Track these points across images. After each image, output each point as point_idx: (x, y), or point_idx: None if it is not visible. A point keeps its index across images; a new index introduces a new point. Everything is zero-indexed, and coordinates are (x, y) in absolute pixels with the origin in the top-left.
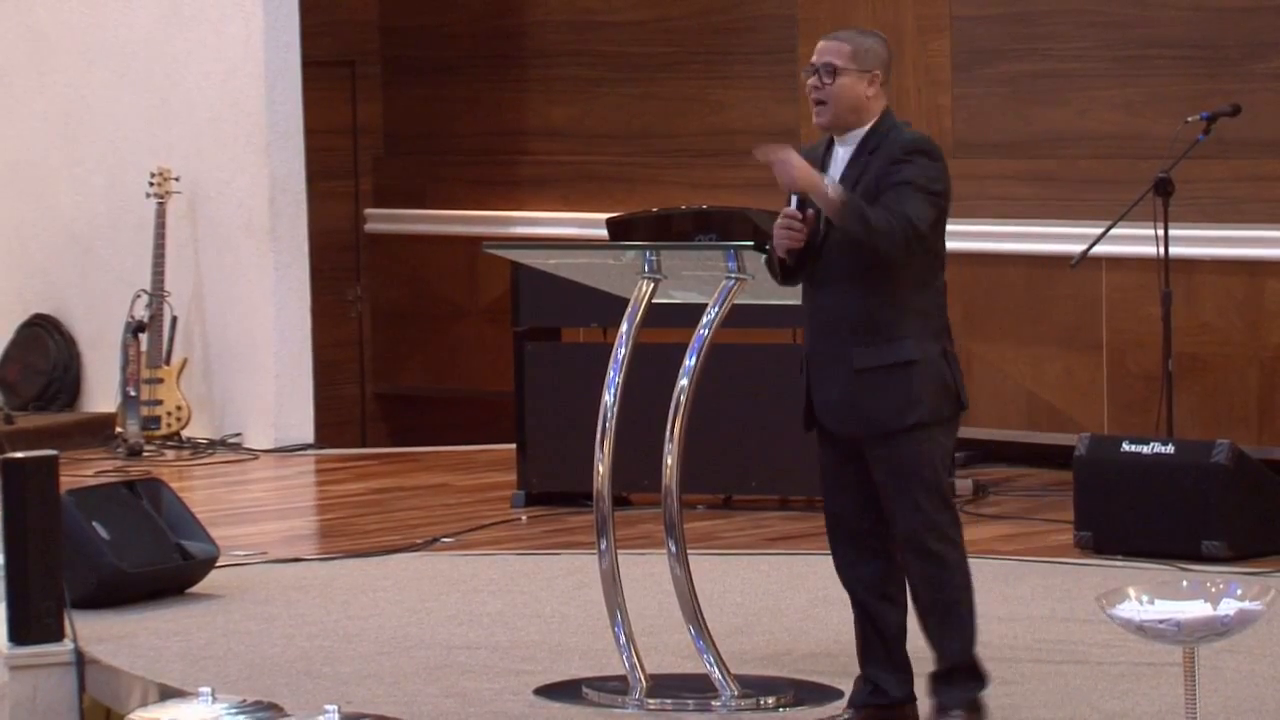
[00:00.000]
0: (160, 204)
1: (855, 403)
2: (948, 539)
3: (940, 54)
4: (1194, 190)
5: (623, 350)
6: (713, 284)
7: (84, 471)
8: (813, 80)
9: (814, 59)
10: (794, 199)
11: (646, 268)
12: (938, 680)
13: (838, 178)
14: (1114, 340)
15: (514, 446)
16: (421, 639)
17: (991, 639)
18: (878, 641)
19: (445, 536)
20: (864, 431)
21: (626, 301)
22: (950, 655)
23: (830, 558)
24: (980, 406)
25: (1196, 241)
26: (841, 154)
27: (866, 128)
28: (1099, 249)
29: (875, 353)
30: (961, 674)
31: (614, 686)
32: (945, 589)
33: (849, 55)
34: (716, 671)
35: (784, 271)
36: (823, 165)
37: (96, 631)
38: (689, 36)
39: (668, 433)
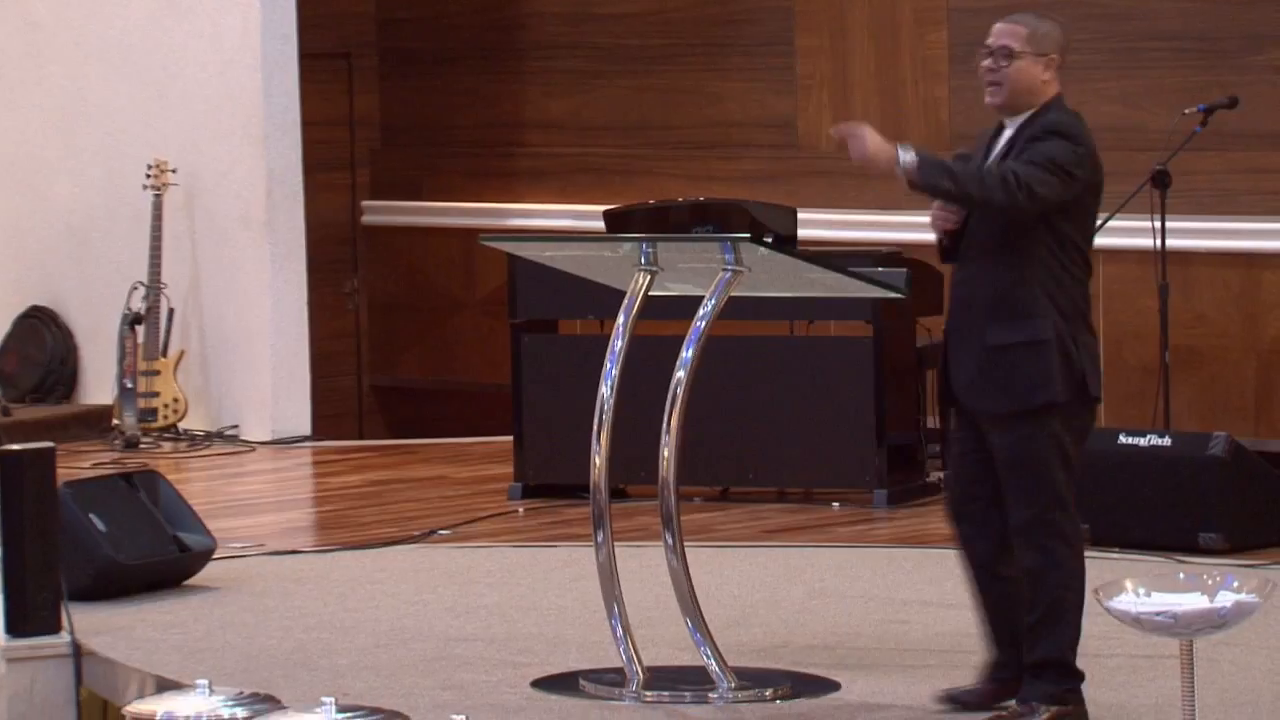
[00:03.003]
0: (157, 196)
1: (988, 378)
2: (1059, 535)
3: (937, 46)
4: (1191, 182)
5: (619, 342)
6: (709, 276)
7: (81, 463)
8: (987, 63)
9: (989, 41)
10: None
11: (643, 260)
12: (1028, 671)
13: (997, 157)
14: (1111, 332)
15: (511, 439)
16: (419, 631)
17: None
18: (994, 618)
19: (442, 529)
20: (992, 408)
21: (623, 294)
22: (1042, 650)
23: (822, 551)
24: None
25: (1193, 234)
26: (1007, 135)
27: (1033, 110)
28: (1096, 241)
29: (1008, 330)
30: (1052, 670)
31: (611, 678)
32: (1047, 585)
33: (1025, 38)
34: (713, 664)
35: (945, 253)
36: (989, 149)
37: (93, 624)
38: (686, 29)
39: (665, 425)
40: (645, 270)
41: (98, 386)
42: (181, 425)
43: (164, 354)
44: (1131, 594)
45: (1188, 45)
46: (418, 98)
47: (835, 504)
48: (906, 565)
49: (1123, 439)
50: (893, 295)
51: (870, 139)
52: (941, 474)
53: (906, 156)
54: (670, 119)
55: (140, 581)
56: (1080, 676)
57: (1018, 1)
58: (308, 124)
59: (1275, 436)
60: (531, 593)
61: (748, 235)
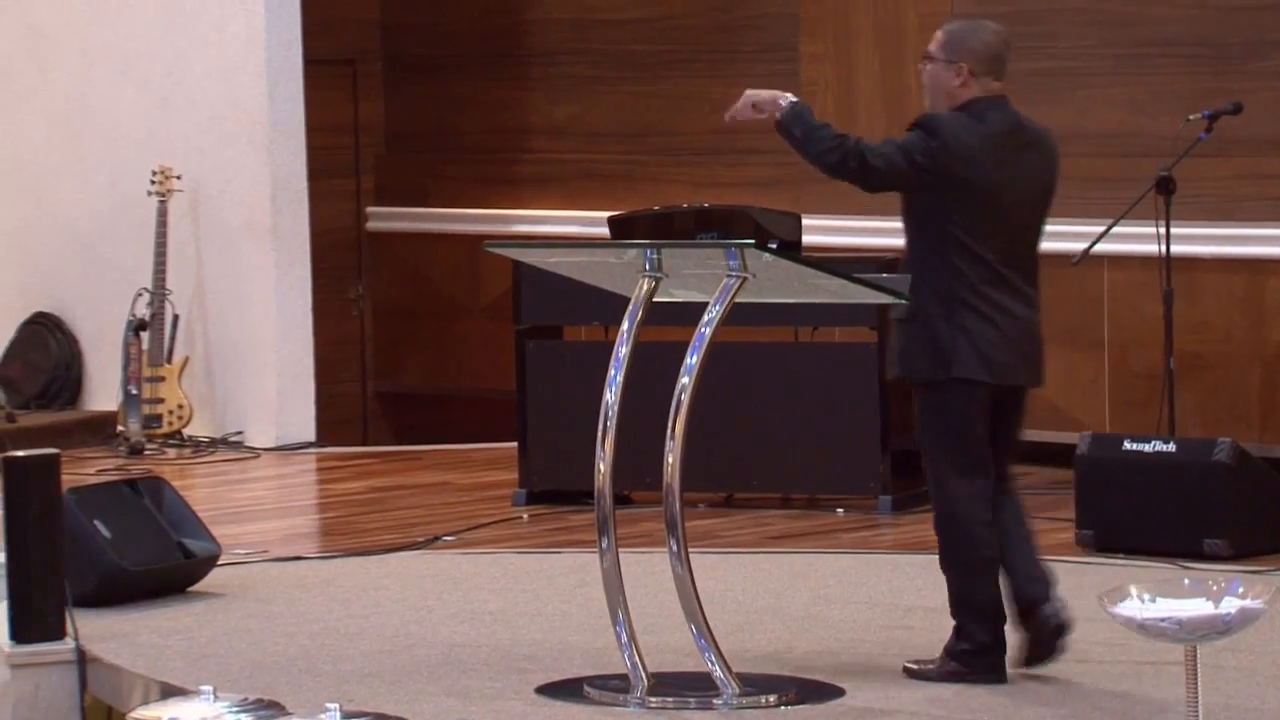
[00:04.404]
0: (162, 202)
1: None
2: (937, 509)
3: None
4: (1196, 188)
5: (624, 348)
6: (714, 282)
7: (85, 470)
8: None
9: None
10: None
11: (648, 266)
12: None
13: None
14: (1116, 338)
15: (515, 445)
16: (423, 637)
17: None
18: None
19: (446, 535)
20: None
21: (628, 300)
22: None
23: (826, 557)
24: None
25: (1198, 239)
26: None
27: None
28: (1101, 247)
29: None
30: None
31: (616, 685)
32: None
33: (941, 44)
34: (718, 670)
35: None
36: None
37: (98, 630)
38: (691, 34)
39: (669, 431)
40: (650, 276)
41: (102, 393)
42: (186, 431)
43: (168, 360)
44: (1136, 600)
45: (1192, 51)
46: (422, 104)
47: (839, 510)
48: (911, 571)
49: (1127, 445)
50: (897, 301)
51: (760, 90)
52: None
53: (788, 102)
54: (674, 125)
55: (145, 588)
56: (990, 645)
57: (1020, 7)
58: (312, 130)
59: None
60: (536, 599)
61: (752, 241)
